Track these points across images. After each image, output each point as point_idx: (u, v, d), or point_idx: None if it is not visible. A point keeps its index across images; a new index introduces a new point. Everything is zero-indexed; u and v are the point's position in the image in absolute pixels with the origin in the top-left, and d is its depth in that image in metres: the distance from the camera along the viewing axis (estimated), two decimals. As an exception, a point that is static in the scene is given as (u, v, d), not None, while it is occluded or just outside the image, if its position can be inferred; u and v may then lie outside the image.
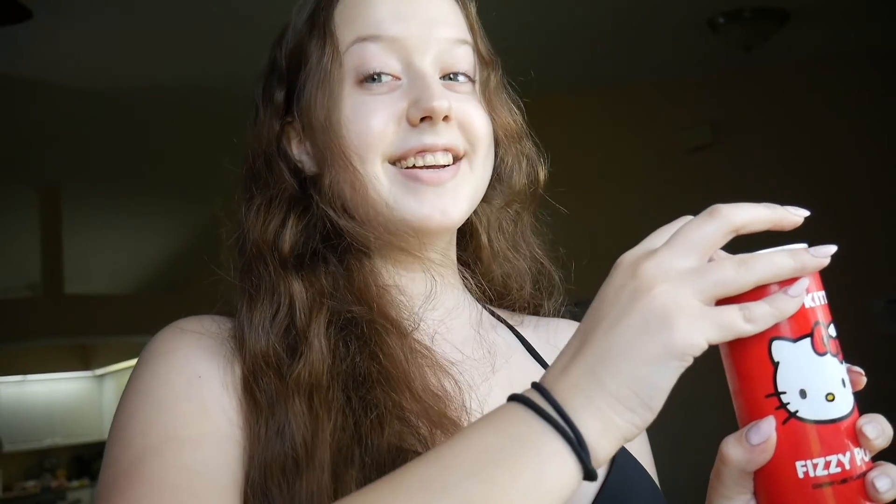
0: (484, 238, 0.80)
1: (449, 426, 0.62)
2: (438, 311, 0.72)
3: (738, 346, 0.47)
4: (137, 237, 8.06)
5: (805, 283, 0.47)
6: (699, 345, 0.45)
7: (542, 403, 0.46)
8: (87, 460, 9.81)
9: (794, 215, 0.49)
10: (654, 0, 3.53)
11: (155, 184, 6.82)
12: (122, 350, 9.63)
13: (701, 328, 0.44)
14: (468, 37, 0.73)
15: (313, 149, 0.73)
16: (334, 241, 0.70)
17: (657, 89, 4.48)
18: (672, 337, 0.44)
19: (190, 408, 0.60)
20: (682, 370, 0.45)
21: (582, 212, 0.81)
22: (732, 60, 4.03)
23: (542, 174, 0.80)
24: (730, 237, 0.47)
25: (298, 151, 0.74)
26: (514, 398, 0.48)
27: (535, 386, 0.48)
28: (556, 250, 0.84)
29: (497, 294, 0.81)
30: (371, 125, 0.67)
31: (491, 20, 0.79)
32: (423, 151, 0.68)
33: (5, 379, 9.43)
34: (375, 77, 0.69)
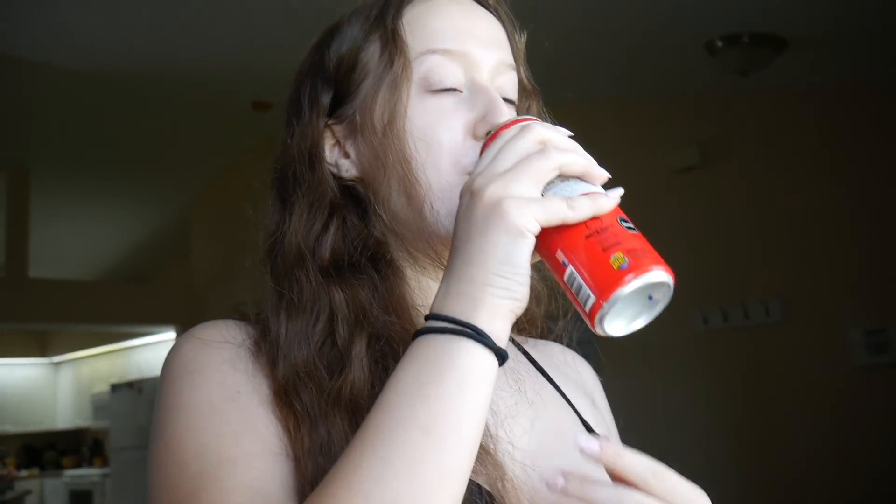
0: None
1: (481, 448, 0.61)
2: None
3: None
4: (105, 224, 7.90)
5: (621, 190, 0.57)
6: (532, 223, 0.53)
7: (438, 324, 0.54)
8: (37, 449, 9.57)
9: (600, 170, 0.57)
10: (653, 21, 3.52)
11: (126, 171, 6.69)
12: (81, 338, 9.42)
13: (531, 210, 0.53)
14: (514, 64, 0.76)
15: (364, 154, 0.72)
16: (372, 252, 0.70)
17: (650, 108, 4.48)
18: (508, 221, 0.52)
19: (237, 427, 0.60)
20: (530, 246, 0.53)
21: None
22: (727, 84, 4.04)
23: None
24: (540, 147, 0.56)
25: (333, 155, 0.74)
26: (416, 333, 0.55)
27: (429, 316, 0.55)
28: None
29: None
30: (447, 135, 0.69)
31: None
32: None
33: (-42, 361, 9.18)
34: (447, 88, 0.70)
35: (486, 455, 0.62)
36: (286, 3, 3.42)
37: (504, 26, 0.76)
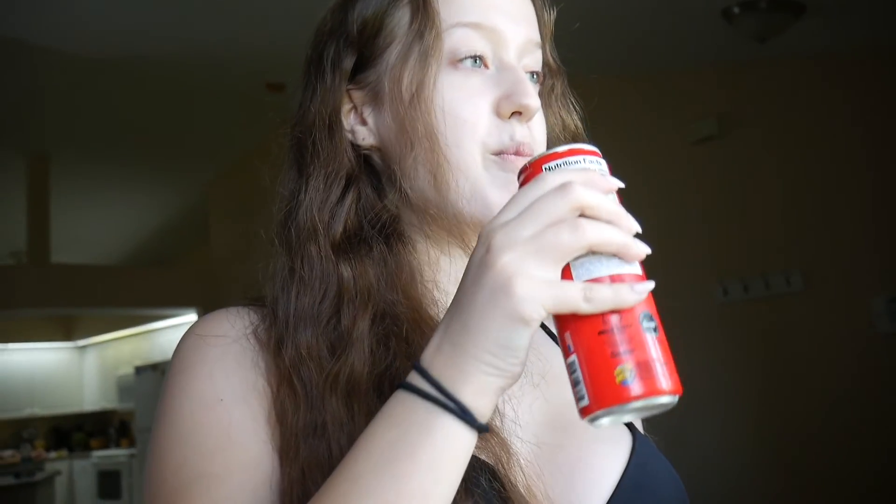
0: None
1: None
2: None
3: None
4: (126, 208, 7.97)
5: (651, 285, 0.50)
6: (539, 311, 0.48)
7: (423, 385, 0.50)
8: (65, 431, 9.75)
9: (638, 249, 0.50)
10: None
11: (145, 156, 6.73)
12: (106, 322, 9.54)
13: (540, 298, 0.48)
14: (541, 41, 0.74)
15: (387, 123, 0.70)
16: (386, 227, 0.69)
17: (667, 79, 4.42)
18: (513, 305, 0.48)
19: (215, 441, 0.60)
20: (533, 330, 0.49)
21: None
22: (745, 52, 3.98)
23: None
24: (575, 213, 0.49)
25: (350, 122, 0.72)
26: (401, 386, 0.52)
27: (416, 367, 0.52)
28: None
29: None
30: (470, 112, 0.67)
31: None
32: (518, 152, 0.68)
33: (-14, 347, 9.33)
34: (474, 60, 0.68)
35: (491, 434, 0.61)
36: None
37: (533, 1, 0.74)
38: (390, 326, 0.64)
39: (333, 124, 0.70)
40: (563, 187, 0.49)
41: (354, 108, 0.72)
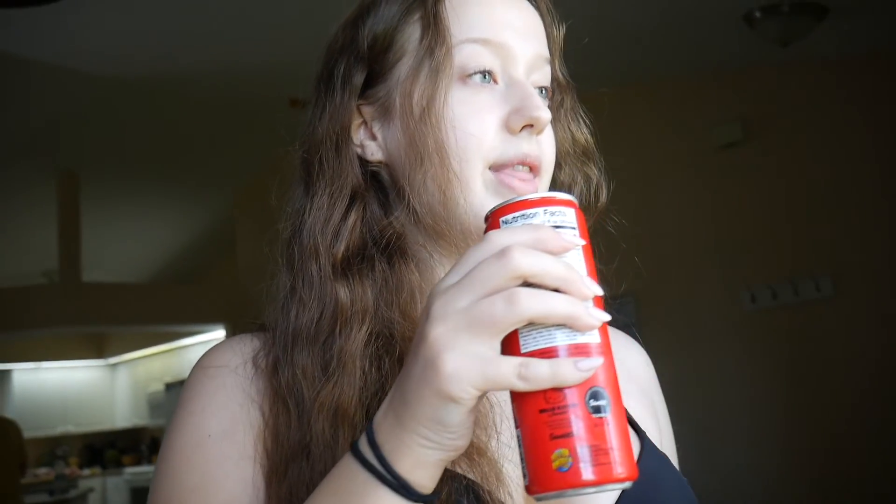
0: None
1: (473, 447, 0.60)
2: None
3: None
4: (155, 226, 8.06)
5: (599, 362, 0.45)
6: (467, 391, 0.45)
7: (366, 453, 0.49)
8: (98, 449, 9.85)
9: (589, 319, 0.45)
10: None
11: (173, 173, 6.82)
12: (137, 339, 9.65)
13: (468, 377, 0.45)
14: (550, 56, 0.74)
15: (397, 138, 0.69)
16: (389, 244, 0.68)
17: (690, 84, 4.40)
18: (440, 383, 0.45)
19: (196, 479, 0.62)
20: (466, 408, 0.46)
21: (609, 207, 0.78)
22: (767, 56, 3.95)
23: (602, 195, 0.78)
24: (517, 283, 0.45)
25: (360, 136, 0.72)
26: (352, 446, 0.51)
27: (367, 428, 0.51)
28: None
29: None
30: (477, 126, 0.66)
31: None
32: (523, 162, 0.67)
33: (19, 366, 9.48)
34: (483, 75, 0.68)
35: (480, 455, 0.60)
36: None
37: (542, 17, 0.74)
38: (386, 346, 0.64)
39: (341, 141, 0.70)
40: (503, 254, 0.45)
41: (364, 123, 0.72)
